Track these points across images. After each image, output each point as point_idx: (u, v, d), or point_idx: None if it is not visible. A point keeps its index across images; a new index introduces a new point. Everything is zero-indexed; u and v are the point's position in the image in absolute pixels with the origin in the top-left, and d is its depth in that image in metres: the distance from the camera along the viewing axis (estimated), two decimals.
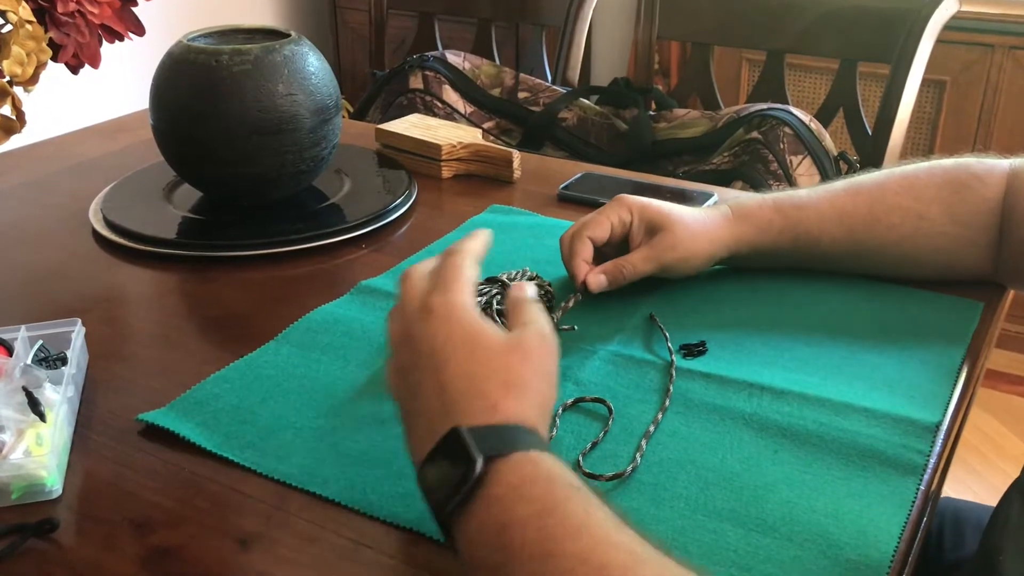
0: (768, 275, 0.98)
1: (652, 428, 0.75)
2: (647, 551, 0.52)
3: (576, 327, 0.88)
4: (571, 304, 0.89)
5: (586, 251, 0.92)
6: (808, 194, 0.96)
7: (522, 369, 0.61)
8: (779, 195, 0.96)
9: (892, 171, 0.96)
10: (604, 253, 0.94)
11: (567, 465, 0.57)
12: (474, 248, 0.69)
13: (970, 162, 0.95)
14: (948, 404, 0.78)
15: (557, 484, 0.55)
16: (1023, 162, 0.94)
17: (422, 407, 0.61)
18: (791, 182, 1.47)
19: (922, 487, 0.69)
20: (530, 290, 0.69)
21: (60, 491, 0.71)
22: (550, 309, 0.91)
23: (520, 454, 0.56)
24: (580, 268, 0.91)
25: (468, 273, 0.67)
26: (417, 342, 0.63)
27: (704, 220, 0.94)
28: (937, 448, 0.73)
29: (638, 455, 0.72)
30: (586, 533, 0.52)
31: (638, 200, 0.94)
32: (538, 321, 0.65)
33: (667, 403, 0.78)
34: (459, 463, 0.55)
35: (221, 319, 0.96)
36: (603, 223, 0.93)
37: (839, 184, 0.96)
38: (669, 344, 0.86)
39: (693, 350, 0.86)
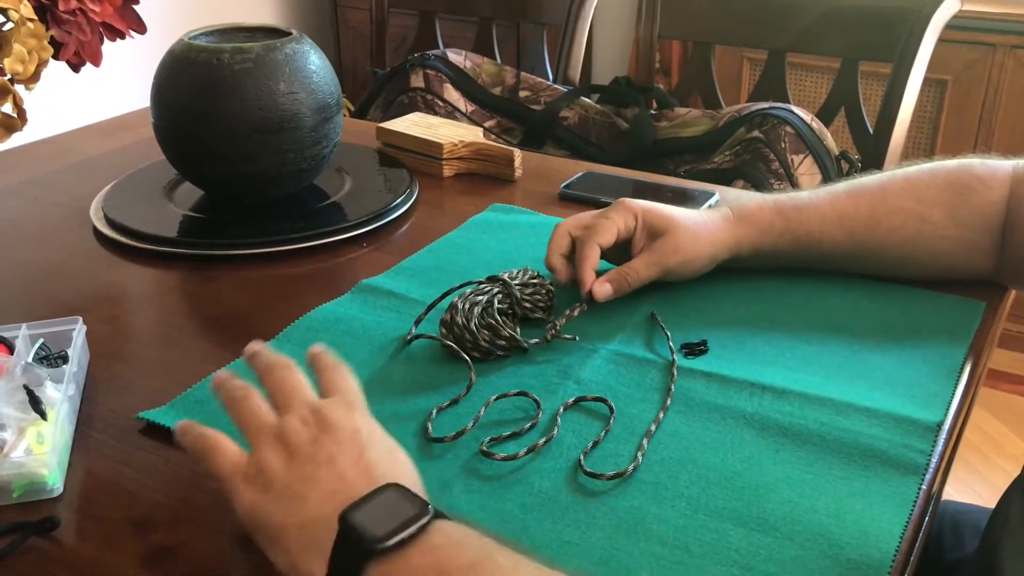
0: (769, 274, 0.97)
1: (653, 427, 0.75)
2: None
3: (577, 337, 0.88)
4: (576, 313, 0.89)
5: (595, 257, 0.92)
6: (809, 196, 0.96)
7: (414, 476, 0.63)
8: (780, 197, 0.96)
9: (894, 173, 0.96)
10: (604, 254, 0.95)
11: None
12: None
13: (973, 163, 0.94)
14: (950, 404, 0.78)
15: (489, 541, 0.55)
16: None
17: (336, 475, 0.59)
18: (792, 181, 1.47)
19: (923, 487, 0.69)
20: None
21: (61, 489, 0.71)
22: (550, 309, 0.91)
23: (455, 521, 0.57)
24: (589, 275, 0.91)
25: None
26: (335, 426, 0.62)
27: (705, 222, 0.94)
28: (939, 448, 0.73)
29: (639, 454, 0.72)
30: (523, 568, 0.54)
31: (641, 204, 0.94)
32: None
33: (668, 402, 0.78)
34: (406, 507, 0.55)
35: (222, 318, 0.96)
36: (610, 229, 0.92)
37: (840, 186, 0.96)
38: (670, 343, 0.86)
39: (694, 349, 0.86)
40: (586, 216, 0.96)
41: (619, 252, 0.95)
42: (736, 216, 0.95)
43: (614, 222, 0.93)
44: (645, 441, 0.73)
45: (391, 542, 0.53)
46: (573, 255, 0.94)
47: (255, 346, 0.70)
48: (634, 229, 0.93)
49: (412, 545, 0.54)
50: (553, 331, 0.86)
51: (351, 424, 0.62)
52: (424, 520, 0.54)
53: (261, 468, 0.61)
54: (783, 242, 0.94)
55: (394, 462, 0.62)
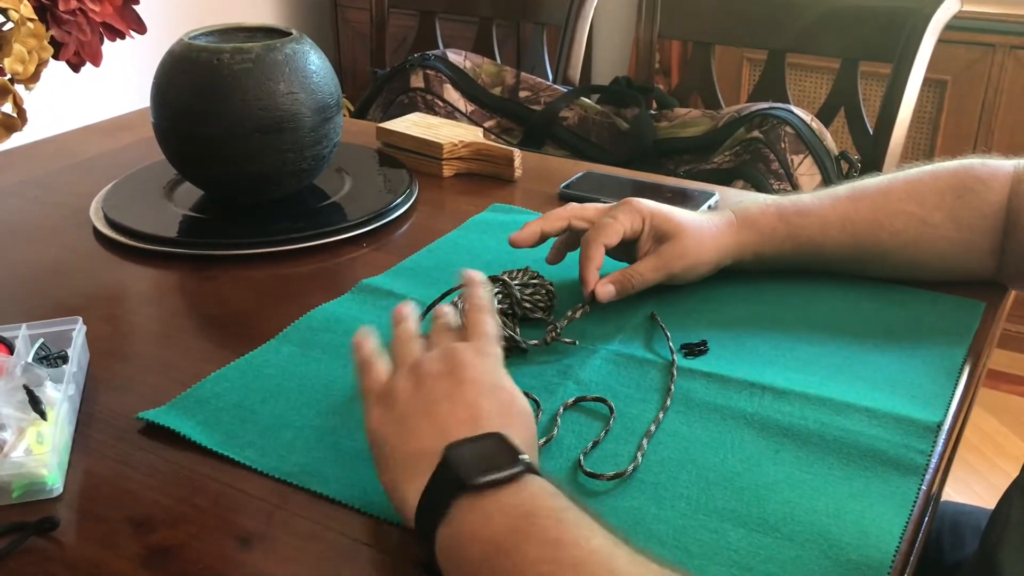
0: (769, 275, 0.97)
1: (653, 427, 0.75)
2: (640, 554, 0.54)
3: (577, 342, 0.88)
4: (577, 315, 0.89)
5: (599, 258, 0.91)
6: (811, 199, 0.95)
7: (534, 434, 0.67)
8: (782, 200, 0.96)
9: (895, 176, 0.96)
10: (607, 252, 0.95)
11: None
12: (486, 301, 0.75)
13: (974, 164, 0.94)
14: (950, 404, 0.78)
15: (571, 500, 0.58)
16: None
17: (448, 411, 0.64)
18: (792, 181, 1.47)
19: (923, 487, 0.69)
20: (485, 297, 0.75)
21: (61, 489, 0.71)
22: (550, 309, 0.91)
23: (549, 483, 0.60)
24: (592, 276, 0.91)
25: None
26: (466, 365, 0.67)
27: (710, 228, 0.94)
28: (939, 448, 0.73)
29: (639, 454, 0.72)
30: (599, 532, 0.55)
31: (648, 207, 0.93)
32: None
33: (668, 402, 0.78)
34: (506, 453, 0.59)
35: (222, 317, 0.96)
36: (617, 230, 0.92)
37: (842, 189, 0.96)
38: (670, 343, 0.86)
39: (694, 349, 0.86)
40: (591, 209, 0.95)
41: (623, 250, 0.95)
42: (740, 221, 0.95)
43: (621, 224, 0.92)
44: (645, 441, 0.73)
45: (482, 480, 0.57)
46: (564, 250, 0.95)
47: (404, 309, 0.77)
48: (640, 231, 0.93)
49: (501, 488, 0.57)
50: (554, 333, 0.86)
51: (477, 370, 0.66)
52: (515, 469, 0.58)
53: (392, 390, 0.67)
54: (786, 247, 0.94)
55: (507, 414, 0.65)
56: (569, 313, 0.89)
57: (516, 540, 0.54)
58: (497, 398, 0.66)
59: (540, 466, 0.62)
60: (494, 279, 0.90)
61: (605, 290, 0.90)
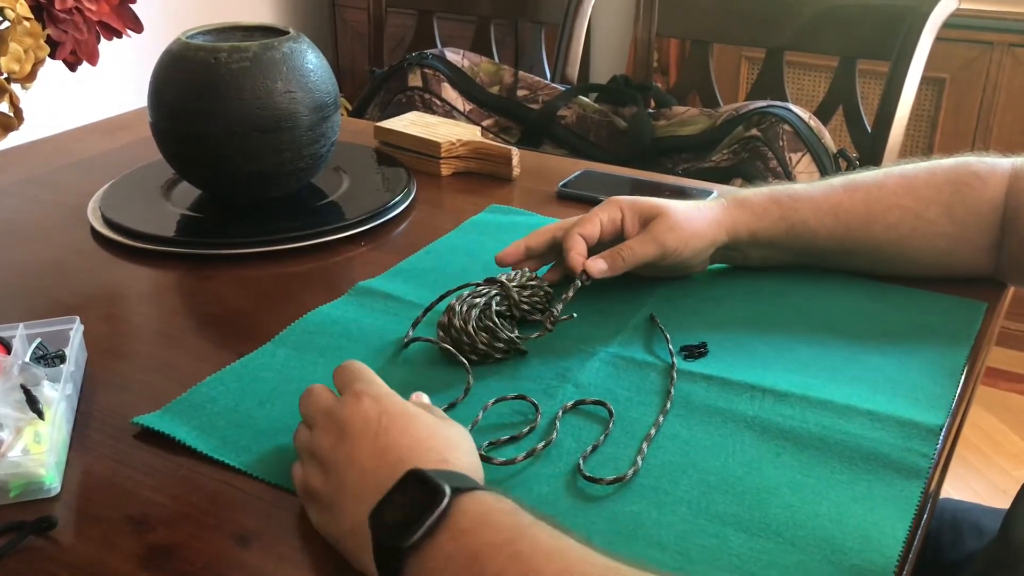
0: (769, 276, 0.97)
1: (653, 431, 0.75)
2: (624, 565, 0.52)
3: (575, 315, 0.87)
4: (571, 294, 0.89)
5: (579, 246, 0.91)
6: (804, 187, 0.96)
7: (460, 439, 0.65)
8: (775, 187, 0.96)
9: (891, 170, 0.96)
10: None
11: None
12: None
13: (971, 161, 0.94)
14: (951, 406, 0.78)
15: (522, 515, 0.55)
16: None
17: (357, 475, 0.61)
18: (791, 179, 1.47)
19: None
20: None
21: (58, 489, 0.71)
22: (547, 311, 0.90)
23: (482, 491, 0.57)
24: (575, 261, 0.90)
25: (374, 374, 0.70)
26: (347, 422, 0.64)
27: (700, 207, 0.94)
28: (937, 448, 0.73)
29: (639, 458, 0.72)
30: (558, 555, 0.52)
31: (627, 198, 0.94)
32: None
33: (668, 406, 0.78)
34: (423, 495, 0.55)
35: (220, 317, 0.96)
36: (593, 220, 0.92)
37: (836, 180, 0.96)
38: (670, 346, 0.86)
39: (694, 352, 0.85)
40: (572, 219, 0.95)
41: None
42: (731, 202, 0.95)
43: (596, 215, 0.92)
44: (645, 445, 0.73)
45: (414, 538, 0.53)
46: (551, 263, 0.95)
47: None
48: (620, 221, 0.93)
49: (439, 531, 0.54)
50: (551, 318, 0.86)
51: (361, 416, 0.64)
52: (442, 506, 0.54)
53: (308, 487, 0.65)
54: (779, 228, 0.94)
55: (412, 437, 0.62)
56: (564, 296, 0.88)
57: None
58: (396, 426, 0.63)
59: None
60: (492, 281, 0.90)
61: (596, 265, 0.90)
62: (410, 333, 0.89)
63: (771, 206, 0.94)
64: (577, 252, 0.90)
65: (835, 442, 0.73)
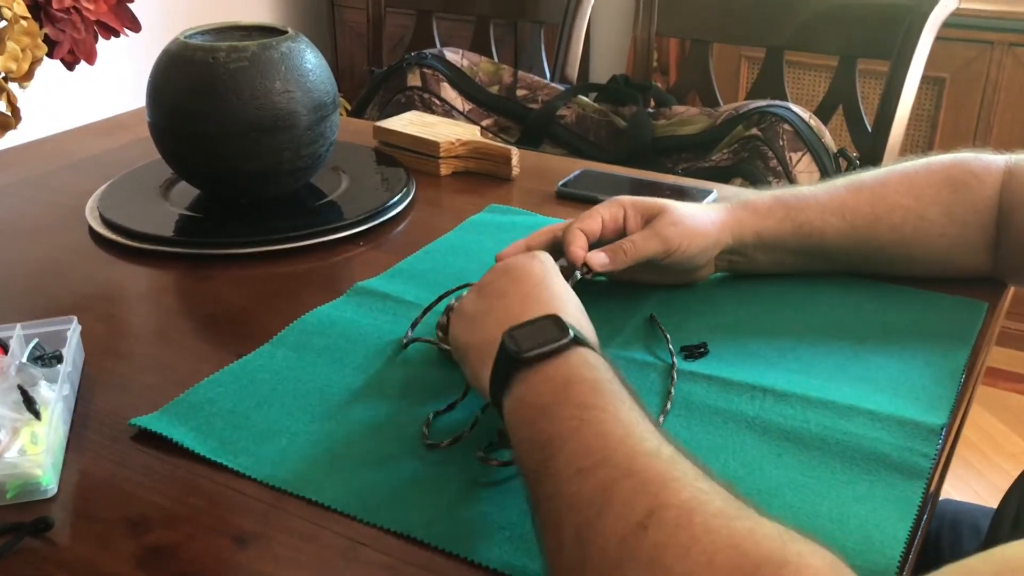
0: (769, 276, 0.97)
1: None
2: (669, 442, 0.58)
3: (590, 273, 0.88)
4: (570, 285, 0.88)
5: (580, 240, 0.90)
6: (809, 189, 0.95)
7: (585, 321, 0.74)
8: (778, 190, 0.96)
9: (892, 169, 0.95)
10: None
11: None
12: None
13: (967, 158, 0.94)
14: (953, 406, 0.77)
15: (616, 375, 0.64)
16: (1019, 159, 0.93)
17: (506, 305, 0.72)
18: (791, 179, 1.47)
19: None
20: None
21: (55, 490, 0.70)
22: None
23: (593, 351, 0.65)
24: (576, 254, 0.89)
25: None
26: (515, 266, 0.77)
27: (704, 208, 0.94)
28: (938, 448, 0.72)
29: None
30: (627, 405, 0.60)
31: (630, 197, 0.93)
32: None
33: (668, 406, 0.78)
34: (554, 332, 0.65)
35: (218, 317, 0.96)
36: (594, 217, 0.91)
37: (839, 181, 0.96)
38: (670, 346, 0.86)
39: (694, 352, 0.85)
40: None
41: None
42: (735, 204, 0.95)
43: (598, 212, 0.92)
44: None
45: (531, 354, 0.63)
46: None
47: None
48: (622, 219, 0.92)
49: (550, 360, 0.63)
50: None
51: (527, 268, 0.76)
52: (563, 342, 0.64)
53: (461, 305, 0.78)
54: (785, 228, 0.93)
55: (559, 299, 0.73)
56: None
57: (554, 403, 0.61)
58: (549, 289, 0.74)
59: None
60: None
61: (598, 258, 0.88)
62: (409, 333, 0.88)
63: (776, 207, 0.94)
64: (578, 246, 0.89)
65: (836, 442, 0.73)
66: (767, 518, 0.52)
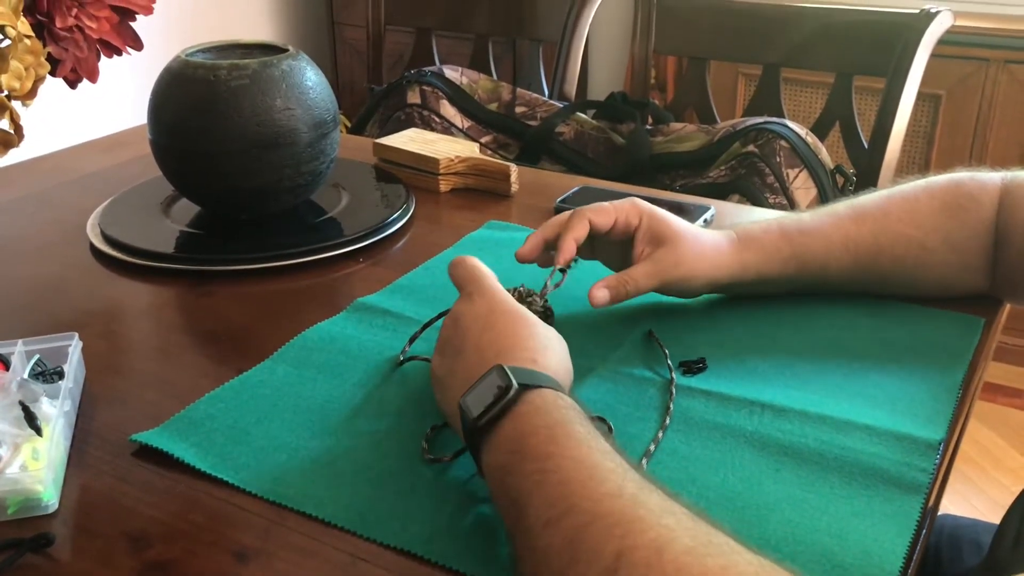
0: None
1: (652, 447, 0.74)
2: (638, 473, 0.58)
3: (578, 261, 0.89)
4: (550, 286, 0.87)
5: (581, 230, 0.89)
6: (812, 218, 0.94)
7: (553, 343, 0.74)
8: (784, 220, 0.94)
9: (892, 193, 0.94)
10: (595, 248, 0.94)
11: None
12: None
13: (963, 180, 0.93)
14: (950, 421, 0.77)
15: (573, 411, 0.64)
16: (1014, 176, 0.93)
17: (463, 364, 0.71)
18: (788, 195, 1.47)
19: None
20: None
21: (56, 506, 0.70)
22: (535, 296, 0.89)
23: (550, 391, 0.65)
24: (569, 246, 0.88)
25: (488, 272, 0.80)
26: (459, 316, 0.75)
27: (711, 243, 0.92)
28: (936, 463, 0.72)
29: None
30: (586, 445, 0.60)
31: (648, 207, 0.92)
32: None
33: (667, 421, 0.78)
34: (499, 387, 0.65)
35: (219, 333, 0.96)
36: (609, 212, 0.90)
37: (841, 208, 0.94)
38: (668, 361, 0.86)
39: (693, 367, 0.85)
40: (590, 208, 0.92)
41: (618, 252, 0.93)
42: (741, 240, 0.93)
43: (615, 209, 0.90)
44: (644, 461, 0.73)
45: (483, 421, 0.64)
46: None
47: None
48: (635, 229, 0.91)
49: (504, 418, 0.63)
50: (542, 302, 0.85)
51: (470, 314, 0.75)
52: (508, 397, 0.64)
53: (432, 369, 0.77)
54: (789, 268, 0.92)
55: (513, 336, 0.72)
56: (545, 285, 0.87)
57: (515, 460, 0.61)
58: (494, 329, 0.72)
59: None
60: None
61: (600, 294, 0.88)
62: (406, 350, 0.88)
63: (782, 244, 0.92)
64: (575, 236, 0.89)
65: (834, 457, 0.73)
66: (744, 548, 0.51)
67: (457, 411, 0.67)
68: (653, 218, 0.91)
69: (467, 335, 0.73)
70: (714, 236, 0.93)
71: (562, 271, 0.89)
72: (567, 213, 0.92)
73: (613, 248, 0.93)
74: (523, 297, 0.87)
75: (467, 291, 0.77)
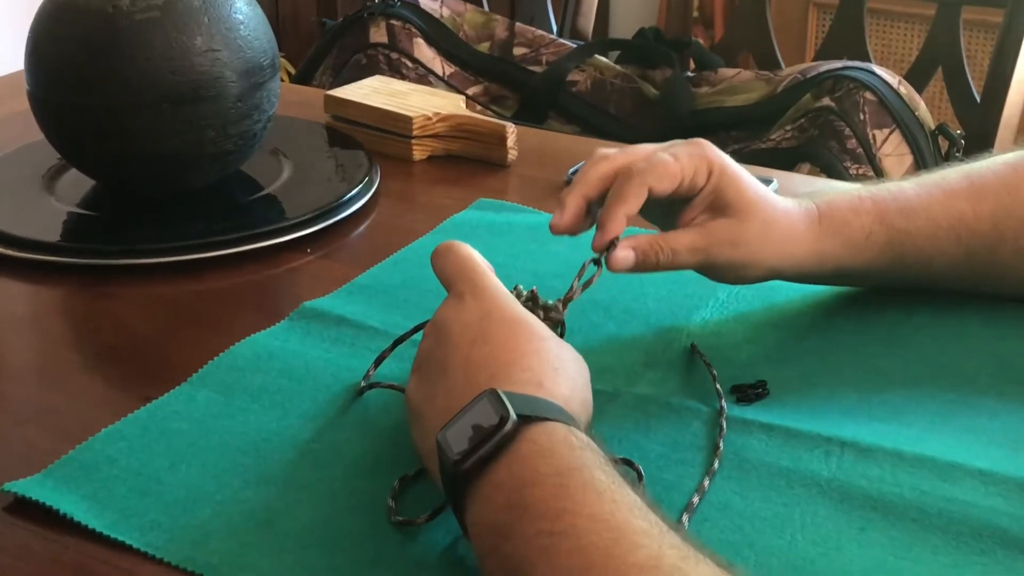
0: (846, 289, 0.97)
1: (696, 499, 0.74)
2: (678, 536, 0.58)
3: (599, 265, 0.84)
4: (578, 288, 0.84)
5: (635, 203, 0.83)
6: (917, 193, 0.93)
7: (567, 362, 0.73)
8: (879, 193, 0.93)
9: (1017, 162, 0.94)
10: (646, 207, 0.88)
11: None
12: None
13: None
14: None
15: (591, 452, 0.63)
16: None
17: (446, 387, 0.71)
18: (874, 164, 1.47)
19: None
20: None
21: None
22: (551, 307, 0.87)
23: (560, 424, 0.64)
24: (616, 224, 0.83)
25: (484, 265, 0.79)
26: (445, 323, 0.74)
27: (785, 223, 0.89)
28: None
29: None
30: (608, 498, 0.59)
31: (721, 159, 0.87)
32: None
33: (716, 465, 0.77)
34: (491, 419, 0.64)
35: (119, 349, 0.96)
36: (673, 173, 0.85)
37: (954, 177, 0.93)
38: (717, 385, 0.85)
39: (749, 393, 0.85)
40: (643, 150, 0.88)
41: (666, 209, 0.89)
42: (825, 221, 0.90)
43: (680, 167, 0.85)
44: (685, 517, 0.72)
45: (469, 464, 0.63)
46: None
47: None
48: (701, 189, 0.87)
49: (497, 461, 0.63)
50: (557, 316, 0.83)
51: (459, 321, 0.74)
52: (503, 432, 0.62)
53: (407, 396, 0.77)
54: (881, 260, 0.91)
55: (512, 351, 0.71)
56: (572, 286, 0.84)
57: (514, 519, 0.60)
58: (495, 336, 0.72)
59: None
60: None
61: (622, 255, 0.84)
62: (371, 373, 0.88)
63: (876, 230, 0.91)
64: (627, 211, 0.83)
65: (937, 512, 0.72)
66: None
67: (435, 450, 0.66)
68: (726, 176, 0.87)
69: (454, 349, 0.72)
70: (790, 216, 0.90)
71: (596, 263, 0.85)
72: (612, 158, 0.87)
73: (661, 201, 0.88)
74: (529, 302, 0.85)
75: (456, 290, 0.77)
